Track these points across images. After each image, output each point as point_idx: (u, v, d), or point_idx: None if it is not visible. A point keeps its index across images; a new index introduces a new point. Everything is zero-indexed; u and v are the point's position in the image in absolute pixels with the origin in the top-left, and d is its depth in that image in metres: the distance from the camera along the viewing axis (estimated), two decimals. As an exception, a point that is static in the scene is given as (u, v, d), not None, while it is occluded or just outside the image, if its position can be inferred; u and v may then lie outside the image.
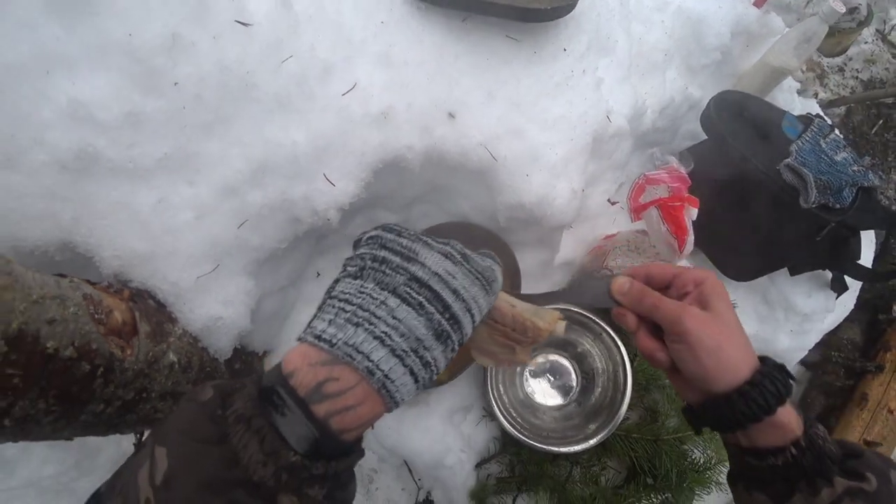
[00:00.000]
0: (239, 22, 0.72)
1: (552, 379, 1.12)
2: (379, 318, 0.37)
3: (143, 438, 0.87)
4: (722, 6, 1.22)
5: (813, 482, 0.45)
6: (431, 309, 0.38)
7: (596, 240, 1.14)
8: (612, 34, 1.00)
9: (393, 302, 0.37)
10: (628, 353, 1.03)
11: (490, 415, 1.06)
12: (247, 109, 0.72)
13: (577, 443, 0.97)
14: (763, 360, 0.48)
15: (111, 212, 0.68)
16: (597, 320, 1.04)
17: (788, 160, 1.06)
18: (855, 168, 1.13)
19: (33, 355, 0.50)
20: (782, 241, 1.16)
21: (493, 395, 1.01)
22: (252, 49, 0.72)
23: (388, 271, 0.39)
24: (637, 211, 0.88)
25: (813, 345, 1.46)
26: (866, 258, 1.38)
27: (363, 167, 0.77)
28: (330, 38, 0.78)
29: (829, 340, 1.75)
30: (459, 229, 0.94)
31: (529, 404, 1.09)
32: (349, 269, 0.41)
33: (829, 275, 1.34)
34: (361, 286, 0.39)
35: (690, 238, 0.86)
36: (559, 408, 1.10)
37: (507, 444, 1.08)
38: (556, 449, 0.97)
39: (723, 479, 1.12)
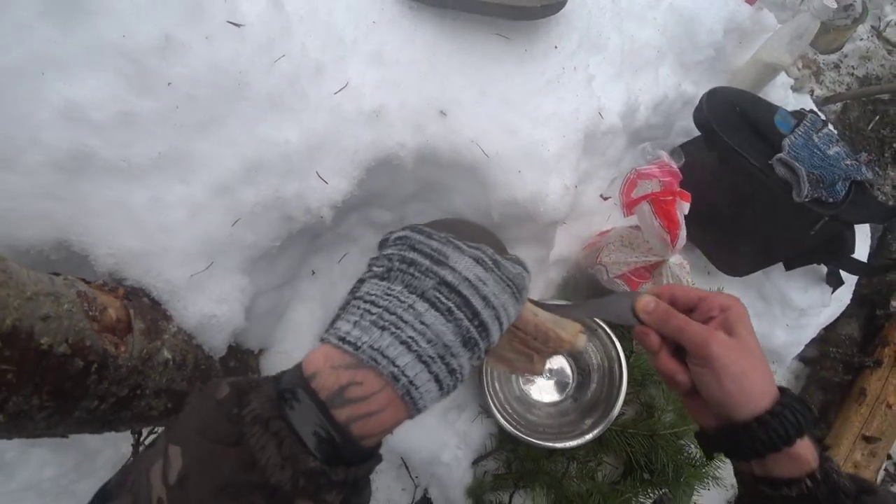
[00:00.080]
0: (231, 23, 0.73)
1: (548, 375, 1.12)
2: (406, 322, 0.36)
3: (143, 438, 0.88)
4: (714, 3, 1.23)
5: None
6: (460, 315, 0.37)
7: (591, 236, 1.15)
8: (604, 31, 1.01)
9: (421, 306, 0.36)
10: (624, 349, 1.04)
11: (486, 411, 1.06)
12: (239, 109, 0.73)
13: (573, 438, 0.98)
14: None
15: (106, 211, 0.68)
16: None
17: (781, 154, 1.07)
18: (848, 162, 1.13)
19: (27, 351, 0.51)
20: (776, 235, 1.17)
21: (490, 391, 1.02)
22: (244, 49, 0.73)
23: (416, 274, 0.38)
24: (629, 206, 0.88)
25: (809, 339, 1.46)
26: (861, 252, 1.38)
27: (356, 165, 0.78)
28: (322, 38, 0.79)
29: (828, 336, 1.75)
30: (453, 226, 0.94)
31: (525, 400, 1.09)
32: (375, 269, 0.40)
33: (824, 269, 1.34)
34: (388, 288, 0.37)
35: (683, 232, 0.87)
36: (555, 404, 1.10)
37: (503, 440, 1.08)
38: (551, 445, 0.97)
39: (720, 474, 1.12)
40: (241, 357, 0.85)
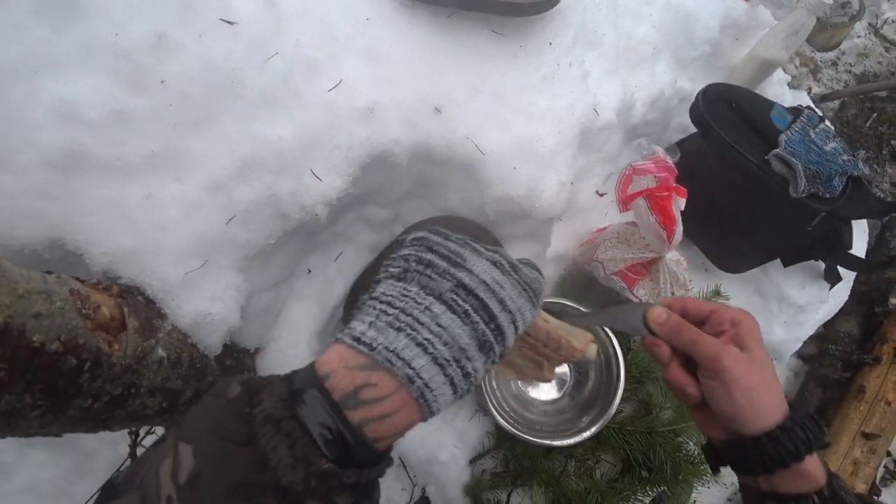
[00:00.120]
0: (224, 20, 0.73)
1: (546, 373, 1.12)
2: (422, 324, 0.35)
3: (140, 439, 0.87)
4: (710, 0, 1.23)
5: None
6: (477, 318, 0.37)
7: (588, 233, 1.15)
8: (599, 28, 1.01)
9: (438, 308, 0.36)
10: (621, 346, 1.04)
11: (483, 410, 1.06)
12: (233, 106, 0.73)
13: (571, 436, 0.98)
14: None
15: (99, 209, 0.68)
16: (582, 308, 1.04)
17: (777, 150, 1.07)
18: (845, 158, 1.13)
19: (19, 349, 0.51)
20: (774, 231, 1.17)
21: (487, 389, 1.01)
22: (237, 47, 0.73)
23: (433, 276, 0.38)
24: (625, 202, 0.88)
25: (807, 336, 1.46)
26: (859, 249, 1.38)
27: (350, 162, 0.78)
28: (315, 36, 0.79)
29: (827, 333, 1.75)
30: (448, 223, 0.94)
31: (522, 398, 1.09)
32: (392, 269, 0.39)
33: (821, 265, 1.34)
34: (405, 289, 0.37)
35: (679, 228, 0.87)
36: (552, 402, 1.10)
37: (501, 438, 1.08)
38: (549, 442, 0.97)
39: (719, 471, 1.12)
40: (236, 356, 0.85)
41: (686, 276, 1.02)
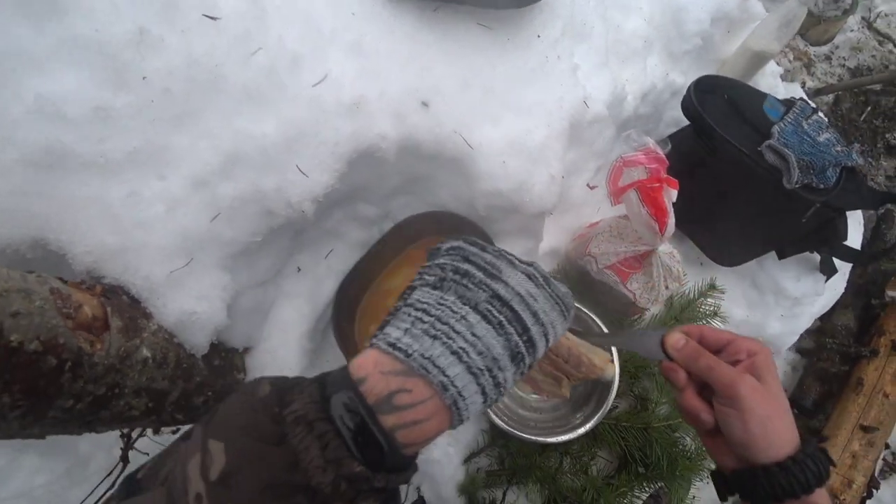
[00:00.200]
0: (207, 16, 0.72)
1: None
2: (458, 332, 0.36)
3: (132, 442, 0.86)
4: (701, -8, 1.22)
5: None
6: (511, 329, 0.37)
7: (581, 228, 1.14)
8: (588, 21, 1.00)
9: (473, 318, 0.37)
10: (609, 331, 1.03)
11: (478, 407, 1.05)
12: (216, 102, 0.72)
13: (566, 432, 0.97)
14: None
15: (82, 207, 0.67)
16: (582, 308, 1.04)
17: (770, 141, 1.06)
18: (838, 148, 1.12)
19: (-5, 348, 0.50)
20: (768, 223, 1.16)
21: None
22: (220, 42, 0.72)
23: (470, 286, 0.38)
24: (616, 194, 0.87)
25: (804, 329, 1.45)
26: (854, 240, 1.37)
27: (336, 157, 0.77)
28: (299, 30, 0.78)
29: (824, 327, 1.75)
30: (438, 218, 0.93)
31: (516, 396, 1.08)
32: (427, 277, 0.40)
33: (817, 257, 1.33)
34: (441, 298, 0.38)
35: (671, 220, 0.86)
36: (546, 398, 1.09)
37: (495, 436, 1.07)
38: (543, 439, 0.96)
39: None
40: (225, 355, 0.84)
41: (680, 268, 1.02)
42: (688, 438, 1.10)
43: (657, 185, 0.83)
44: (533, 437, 0.96)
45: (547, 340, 0.40)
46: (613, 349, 0.96)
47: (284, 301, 0.92)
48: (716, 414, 0.49)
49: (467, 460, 1.06)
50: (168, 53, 0.69)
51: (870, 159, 2.17)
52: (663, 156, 0.84)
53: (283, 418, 0.33)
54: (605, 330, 1.03)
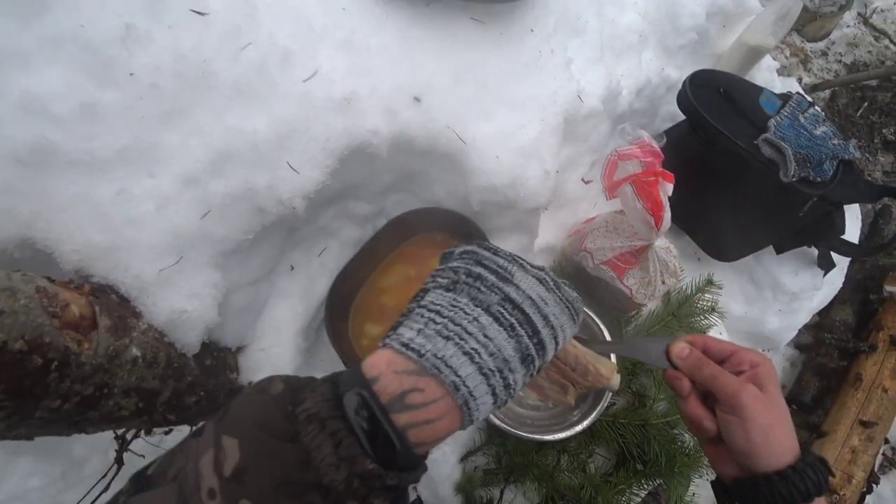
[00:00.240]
0: (195, 11, 0.72)
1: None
2: (470, 333, 0.36)
3: (127, 444, 0.85)
4: (695, -14, 1.22)
5: None
6: (522, 332, 0.38)
7: (577, 224, 1.13)
8: (582, 15, 0.99)
9: (485, 320, 0.37)
10: (612, 337, 1.02)
11: (475, 406, 1.04)
12: (205, 98, 0.71)
13: (563, 430, 0.96)
14: (805, 450, 0.49)
15: (70, 205, 0.67)
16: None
17: (766, 135, 1.06)
18: (835, 142, 1.12)
19: (-22, 348, 0.49)
20: (765, 218, 1.16)
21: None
22: (209, 37, 0.71)
23: (482, 288, 0.39)
24: (611, 189, 0.86)
25: (802, 324, 1.45)
26: (852, 235, 1.37)
27: (328, 154, 0.76)
28: (290, 26, 0.77)
29: (822, 322, 1.74)
30: (432, 214, 0.92)
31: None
32: (440, 280, 0.41)
33: (815, 252, 1.33)
34: (454, 300, 0.38)
35: (667, 214, 0.85)
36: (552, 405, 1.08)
37: (492, 434, 1.06)
38: (540, 437, 0.95)
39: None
40: (217, 355, 0.83)
41: (676, 263, 1.01)
42: (686, 435, 1.09)
43: (652, 178, 0.82)
44: (530, 435, 0.95)
45: (557, 343, 0.41)
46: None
47: (278, 299, 0.91)
48: (718, 422, 0.50)
49: (464, 459, 1.05)
50: (155, 49, 0.69)
51: (867, 155, 2.16)
52: (658, 149, 0.83)
53: (295, 416, 0.33)
54: (604, 328, 1.03)
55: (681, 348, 0.53)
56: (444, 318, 0.37)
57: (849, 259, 1.46)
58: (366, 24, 0.82)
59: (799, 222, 1.12)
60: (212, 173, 0.72)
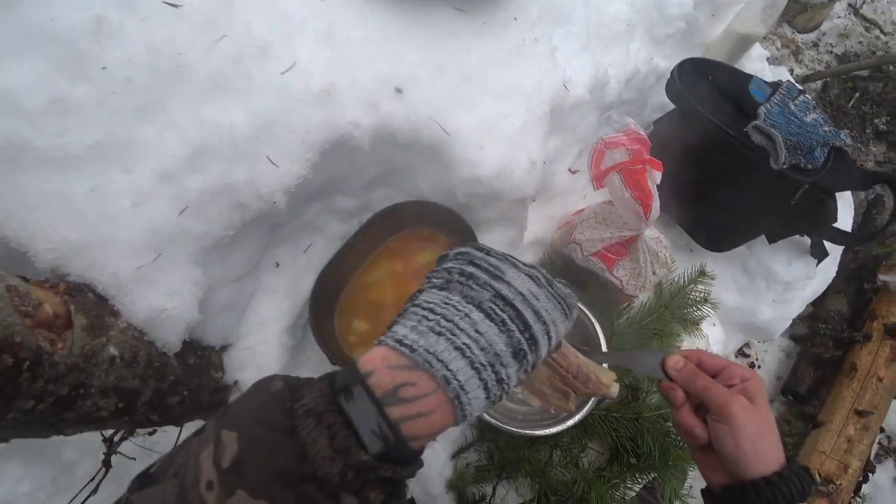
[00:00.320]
0: (167, 3, 0.70)
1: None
2: (461, 329, 0.37)
3: (115, 447, 0.84)
4: (683, -25, 1.20)
5: None
6: (513, 327, 0.39)
7: (566, 216, 1.12)
8: (568, 4, 0.98)
9: (477, 316, 0.38)
10: (603, 330, 1.01)
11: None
12: (180, 92, 0.70)
13: (555, 424, 0.94)
14: (790, 460, 0.52)
15: (43, 203, 0.65)
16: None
17: (756, 122, 1.05)
18: (826, 129, 1.11)
19: (-57, 347, 0.47)
20: (757, 206, 1.15)
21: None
22: (183, 30, 0.70)
23: (474, 286, 0.40)
24: (598, 178, 0.85)
25: (796, 314, 1.44)
26: (844, 223, 1.36)
27: (308, 147, 0.75)
28: (267, 17, 0.76)
29: (817, 312, 1.74)
30: (418, 208, 0.91)
31: (506, 388, 1.06)
32: (434, 280, 0.42)
33: (807, 241, 1.32)
34: (447, 297, 0.40)
35: (656, 203, 0.84)
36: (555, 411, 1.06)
37: (483, 430, 1.05)
38: (531, 432, 0.94)
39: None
40: (201, 353, 0.82)
41: (667, 254, 1.00)
42: (680, 427, 1.08)
43: (640, 166, 0.81)
44: (522, 431, 0.94)
45: (549, 338, 0.42)
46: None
47: (263, 297, 0.90)
48: (709, 430, 0.53)
49: (455, 455, 1.04)
50: (128, 42, 0.67)
51: (859, 145, 2.16)
52: (645, 136, 0.82)
53: (293, 411, 0.34)
54: (596, 323, 1.01)
55: (676, 361, 0.57)
56: (437, 315, 0.38)
57: (842, 248, 1.46)
58: (345, 15, 0.80)
59: (791, 210, 1.11)
60: (189, 168, 0.70)
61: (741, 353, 1.75)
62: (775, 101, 1.11)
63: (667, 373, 0.57)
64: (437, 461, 0.99)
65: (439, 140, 0.82)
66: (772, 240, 1.26)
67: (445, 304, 0.39)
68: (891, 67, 2.17)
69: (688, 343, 1.17)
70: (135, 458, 0.87)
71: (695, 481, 1.18)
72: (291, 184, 0.75)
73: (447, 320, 0.38)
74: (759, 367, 1.75)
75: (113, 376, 0.66)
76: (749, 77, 1.17)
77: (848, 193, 1.46)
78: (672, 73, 1.11)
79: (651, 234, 0.95)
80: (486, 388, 0.38)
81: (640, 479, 1.06)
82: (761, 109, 1.08)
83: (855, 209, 1.55)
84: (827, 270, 1.45)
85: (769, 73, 1.51)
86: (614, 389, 0.57)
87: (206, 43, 0.71)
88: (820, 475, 1.41)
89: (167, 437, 0.94)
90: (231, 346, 0.87)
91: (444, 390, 0.36)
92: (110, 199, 0.67)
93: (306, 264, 0.93)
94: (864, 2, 2.44)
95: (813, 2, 2.18)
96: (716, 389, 0.53)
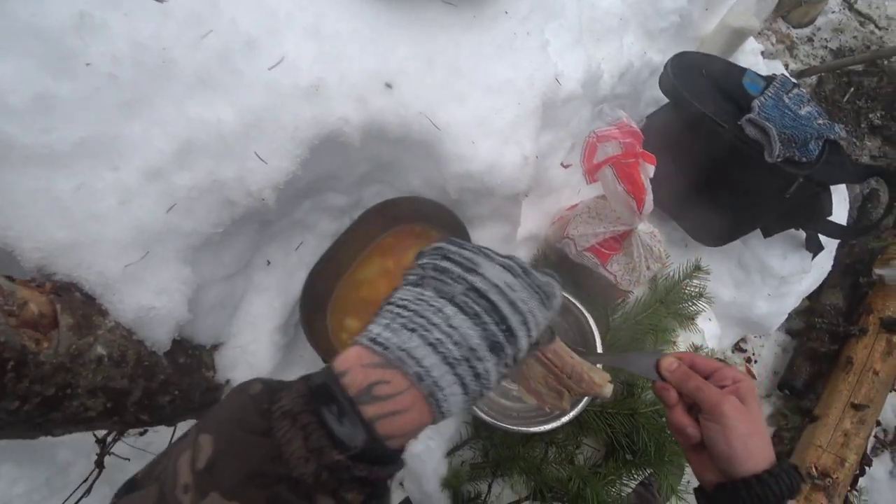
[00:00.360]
0: (153, -3, 0.69)
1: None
2: (434, 324, 0.37)
3: (108, 448, 0.83)
4: (675, -32, 1.20)
5: None
6: (488, 319, 0.38)
7: (560, 211, 1.12)
8: (559, -2, 0.97)
9: (450, 310, 0.38)
10: (598, 328, 1.00)
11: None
12: (166, 87, 0.69)
13: (549, 421, 0.94)
14: (779, 458, 0.54)
15: (29, 201, 0.64)
16: (564, 294, 1.01)
17: (750, 115, 1.04)
18: (820, 122, 1.10)
19: (-77, 348, 0.47)
20: (751, 200, 1.14)
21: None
22: (168, 25, 0.69)
23: (447, 280, 0.40)
24: (591, 172, 0.84)
25: (792, 308, 1.44)
26: (839, 217, 1.35)
27: (297, 143, 0.74)
28: (253, 12, 0.75)
29: (813, 307, 1.74)
30: (408, 204, 0.90)
31: (499, 386, 1.05)
32: (409, 277, 0.42)
33: (802, 235, 1.32)
34: (420, 294, 0.39)
35: (649, 197, 0.83)
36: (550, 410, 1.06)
37: (478, 428, 1.04)
38: (526, 429, 0.93)
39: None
40: (192, 352, 0.81)
41: (661, 248, 0.99)
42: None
43: (632, 160, 0.80)
44: (516, 428, 0.94)
45: (528, 329, 0.41)
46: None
47: (254, 295, 0.89)
48: (702, 429, 0.54)
49: (450, 453, 1.03)
50: (112, 38, 0.67)
51: (854, 139, 2.16)
52: (638, 129, 0.81)
53: (271, 413, 0.34)
54: (589, 317, 1.01)
55: (670, 362, 0.58)
56: (410, 311, 0.38)
57: (837, 242, 1.45)
58: (333, 10, 0.80)
59: (786, 204, 1.11)
60: (176, 165, 0.69)
61: (738, 347, 1.75)
62: (769, 94, 1.11)
63: (661, 374, 0.58)
64: (432, 459, 0.98)
65: (430, 135, 0.81)
66: (767, 234, 1.26)
67: (419, 300, 0.39)
68: (885, 62, 2.17)
69: (683, 338, 1.16)
70: (129, 459, 0.87)
71: (692, 477, 1.17)
72: (281, 180, 0.74)
73: (420, 316, 0.37)
74: (755, 361, 1.75)
75: (101, 376, 0.65)
76: (743, 70, 1.17)
77: (843, 187, 1.46)
78: (665, 66, 1.10)
79: (645, 228, 0.95)
80: (462, 384, 0.37)
81: (636, 476, 1.05)
82: (755, 102, 1.07)
83: (850, 203, 1.54)
84: (822, 265, 1.45)
85: (764, 68, 1.51)
86: (607, 390, 0.58)
87: (191, 38, 0.70)
88: (816, 469, 1.41)
89: (161, 438, 0.93)
90: (222, 345, 0.87)
91: (418, 387, 0.35)
92: (97, 197, 0.66)
93: (298, 262, 0.93)
94: (858, -3, 2.43)
95: (807, -4, 2.18)
96: (708, 390, 0.54)
